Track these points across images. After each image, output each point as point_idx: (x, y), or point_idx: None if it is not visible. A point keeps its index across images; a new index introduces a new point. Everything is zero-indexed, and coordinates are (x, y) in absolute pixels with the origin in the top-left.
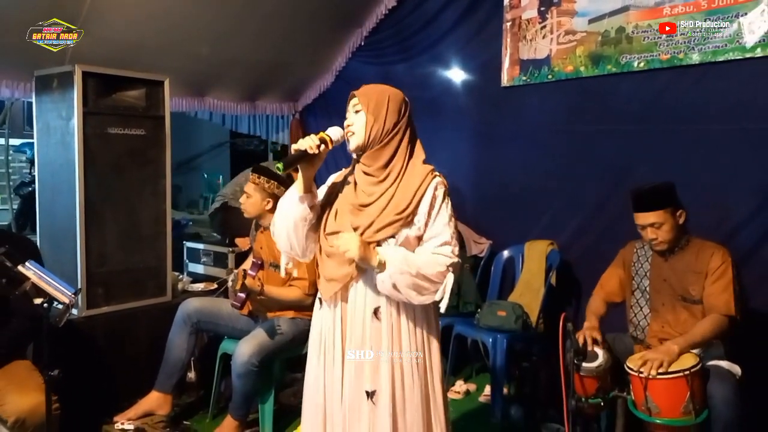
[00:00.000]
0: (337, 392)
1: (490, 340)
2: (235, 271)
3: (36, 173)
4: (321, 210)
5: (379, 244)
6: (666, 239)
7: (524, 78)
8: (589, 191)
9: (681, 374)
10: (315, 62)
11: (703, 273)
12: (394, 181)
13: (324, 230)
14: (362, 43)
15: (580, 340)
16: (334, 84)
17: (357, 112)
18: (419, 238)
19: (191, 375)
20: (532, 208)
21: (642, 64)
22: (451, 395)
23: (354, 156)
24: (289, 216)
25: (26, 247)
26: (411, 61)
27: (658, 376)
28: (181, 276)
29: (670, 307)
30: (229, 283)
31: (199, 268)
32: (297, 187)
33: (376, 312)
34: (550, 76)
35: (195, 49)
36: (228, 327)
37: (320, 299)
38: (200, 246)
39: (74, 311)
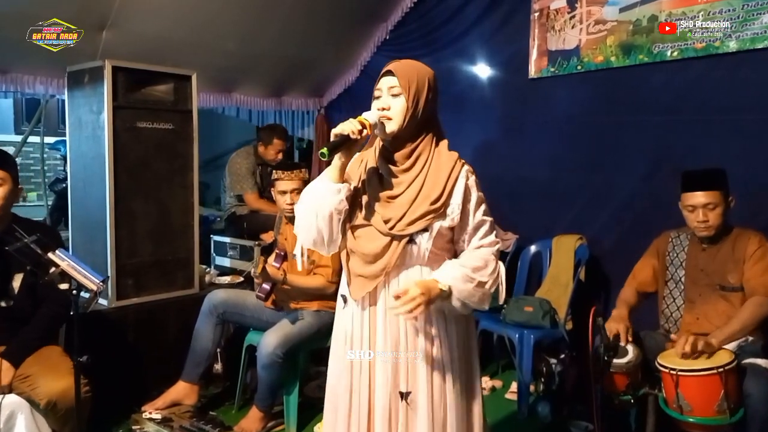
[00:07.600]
0: (365, 395)
1: (517, 336)
2: (258, 258)
3: (68, 166)
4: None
5: (412, 237)
6: (715, 224)
7: (552, 69)
8: (619, 184)
9: (714, 371)
10: (340, 57)
11: (741, 260)
12: (422, 168)
13: (350, 222)
14: (387, 38)
15: (611, 332)
16: (359, 79)
17: (395, 95)
18: (451, 229)
19: (218, 366)
20: (560, 202)
21: (675, 53)
22: None
23: (379, 140)
24: (323, 207)
25: (54, 237)
26: (436, 55)
27: (691, 373)
28: (208, 269)
29: (707, 298)
30: (252, 270)
31: (225, 262)
32: (331, 176)
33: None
34: (579, 67)
35: (222, 45)
36: (253, 318)
37: (344, 297)
38: (227, 240)
39: (104, 302)
